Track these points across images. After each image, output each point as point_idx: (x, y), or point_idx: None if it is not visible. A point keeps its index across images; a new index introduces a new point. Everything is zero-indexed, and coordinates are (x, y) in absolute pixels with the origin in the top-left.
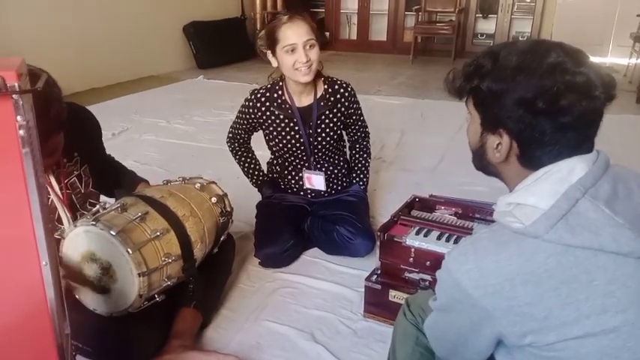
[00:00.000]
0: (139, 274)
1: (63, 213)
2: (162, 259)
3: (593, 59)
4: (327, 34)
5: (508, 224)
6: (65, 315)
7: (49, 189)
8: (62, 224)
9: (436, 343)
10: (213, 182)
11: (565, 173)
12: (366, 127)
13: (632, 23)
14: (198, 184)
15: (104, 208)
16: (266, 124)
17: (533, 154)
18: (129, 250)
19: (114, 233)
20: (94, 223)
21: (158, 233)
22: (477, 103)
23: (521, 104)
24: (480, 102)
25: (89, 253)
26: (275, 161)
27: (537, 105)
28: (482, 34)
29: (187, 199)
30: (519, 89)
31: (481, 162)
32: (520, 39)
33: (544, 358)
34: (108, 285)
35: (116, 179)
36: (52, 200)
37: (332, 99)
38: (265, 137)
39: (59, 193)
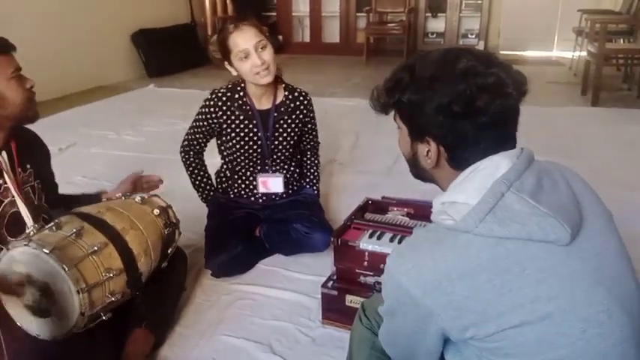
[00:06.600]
0: (78, 291)
1: (24, 210)
2: (103, 274)
3: (541, 53)
4: (280, 37)
5: (442, 222)
6: (2, 348)
7: (10, 184)
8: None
9: (391, 350)
10: (155, 195)
11: (491, 170)
12: (317, 137)
13: (574, 18)
14: (139, 198)
15: (39, 230)
16: (225, 125)
17: (461, 156)
18: (65, 267)
19: (47, 251)
20: (26, 243)
21: (95, 248)
22: (402, 116)
23: (441, 111)
24: (404, 114)
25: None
26: (226, 166)
27: (455, 109)
28: (432, 33)
29: (127, 213)
30: (437, 97)
31: (416, 170)
32: (433, 50)
33: (487, 350)
34: (48, 307)
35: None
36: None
37: (292, 105)
38: (221, 140)
39: (18, 191)
